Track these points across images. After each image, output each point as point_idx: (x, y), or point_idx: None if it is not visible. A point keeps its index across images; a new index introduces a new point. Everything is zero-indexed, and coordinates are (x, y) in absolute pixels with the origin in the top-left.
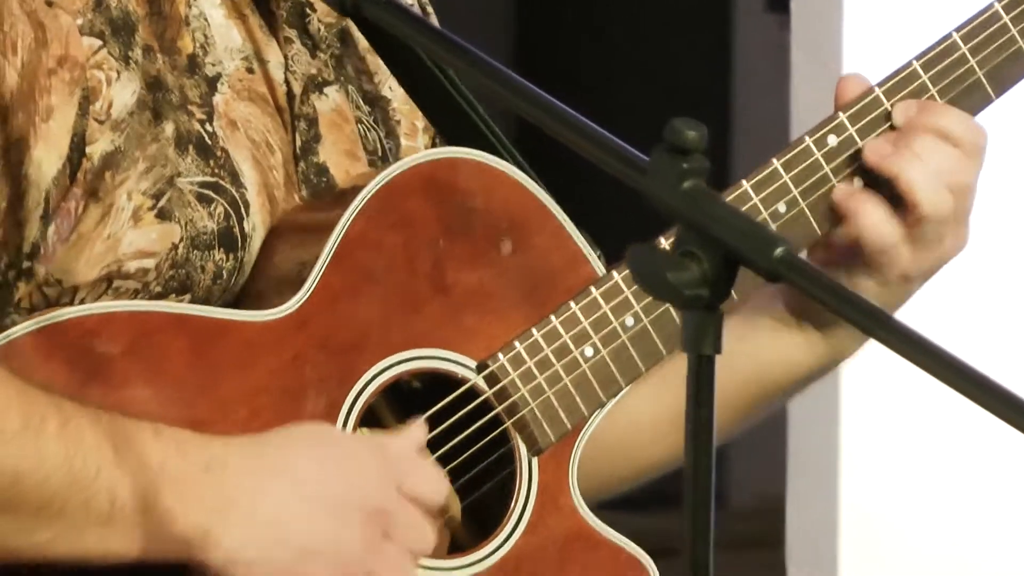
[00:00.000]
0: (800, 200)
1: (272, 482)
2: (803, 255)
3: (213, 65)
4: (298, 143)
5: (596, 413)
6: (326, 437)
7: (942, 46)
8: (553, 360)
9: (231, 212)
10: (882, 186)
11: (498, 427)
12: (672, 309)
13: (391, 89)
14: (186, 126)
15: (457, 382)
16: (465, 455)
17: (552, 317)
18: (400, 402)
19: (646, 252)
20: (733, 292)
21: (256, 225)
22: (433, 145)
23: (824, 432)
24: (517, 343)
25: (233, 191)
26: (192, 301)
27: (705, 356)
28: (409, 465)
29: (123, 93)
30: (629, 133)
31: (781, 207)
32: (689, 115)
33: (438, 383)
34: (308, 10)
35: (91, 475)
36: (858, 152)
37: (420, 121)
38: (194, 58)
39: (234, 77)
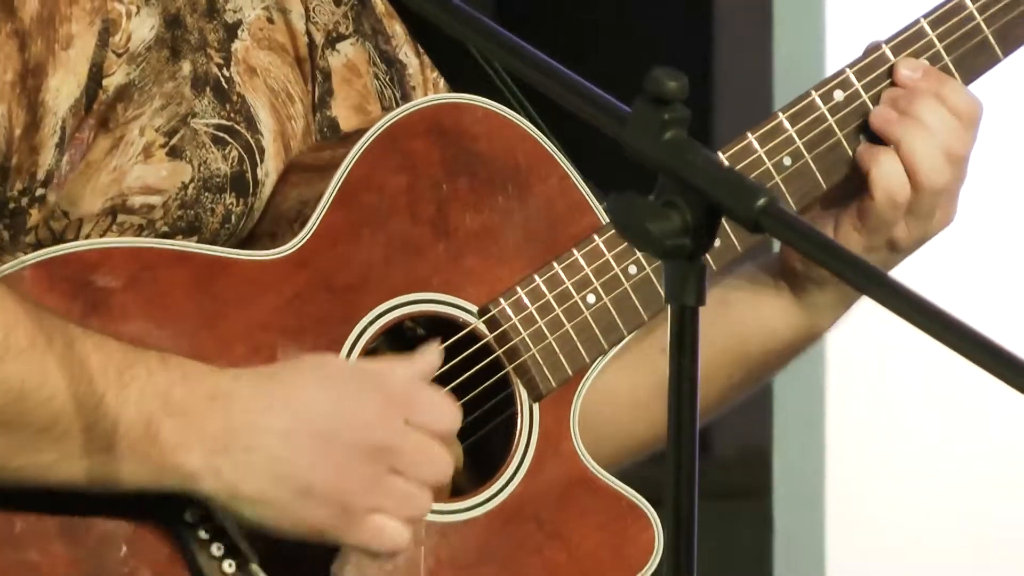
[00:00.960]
0: (805, 153)
1: (275, 417)
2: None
3: (234, 12)
4: (316, 94)
5: (598, 360)
6: (334, 370)
7: (950, 4)
8: (555, 305)
9: (245, 157)
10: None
11: (499, 371)
12: None
13: (407, 55)
14: (204, 67)
15: (458, 326)
16: (465, 399)
17: (554, 263)
18: (401, 346)
19: (627, 202)
20: (710, 260)
21: (270, 171)
22: None
23: (809, 382)
24: (519, 288)
25: (248, 136)
26: (199, 243)
27: (688, 307)
28: (417, 395)
29: (142, 27)
30: (608, 89)
31: (786, 159)
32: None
33: (439, 327)
34: None
35: (96, 399)
36: (863, 107)
37: (432, 92)
38: (214, 3)
39: (255, 26)
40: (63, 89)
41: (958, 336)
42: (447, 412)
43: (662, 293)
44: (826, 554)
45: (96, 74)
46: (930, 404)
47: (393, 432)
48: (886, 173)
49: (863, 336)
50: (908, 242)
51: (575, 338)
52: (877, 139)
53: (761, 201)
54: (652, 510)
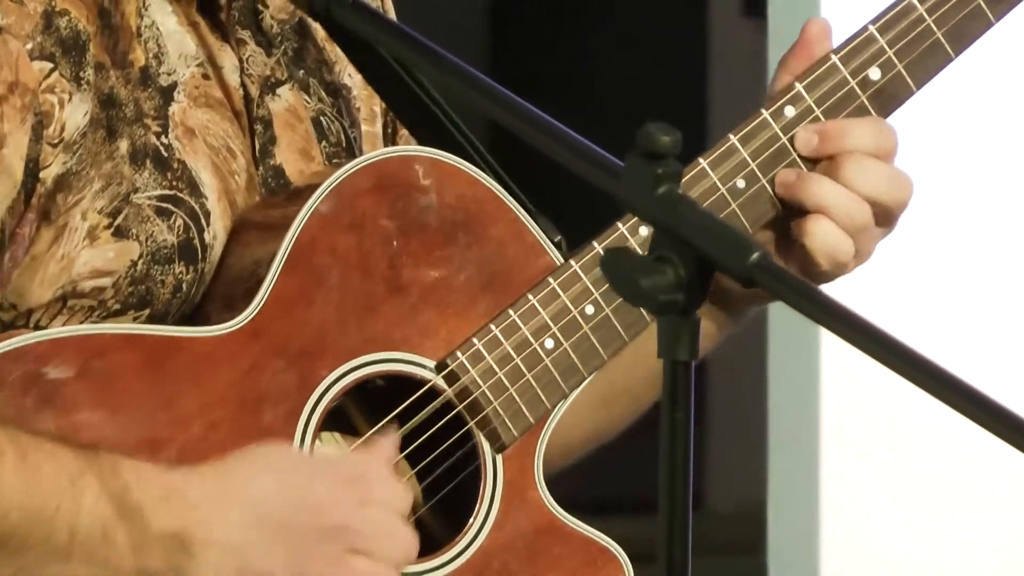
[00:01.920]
0: (760, 175)
1: (229, 510)
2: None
3: (168, 75)
4: (256, 146)
5: (559, 405)
6: (285, 459)
7: (898, 7)
8: (513, 355)
9: (191, 224)
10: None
11: (462, 426)
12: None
13: (351, 76)
14: (142, 140)
15: (418, 382)
16: (431, 455)
17: (510, 310)
18: (366, 401)
19: (620, 257)
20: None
21: (217, 233)
22: (386, 127)
23: (805, 438)
24: (476, 340)
25: (192, 202)
26: (151, 315)
27: (680, 362)
28: (370, 474)
29: (75, 114)
30: (605, 140)
31: (740, 183)
32: (665, 121)
33: (402, 380)
34: (260, 7)
35: (50, 511)
36: (816, 121)
37: (378, 106)
38: (147, 70)
39: (190, 84)
40: (0, 191)
41: (959, 395)
42: (400, 492)
43: (621, 331)
44: None
45: (32, 169)
46: (927, 462)
47: (349, 512)
48: (821, 240)
49: (858, 391)
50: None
51: (535, 385)
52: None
53: (754, 256)
54: (622, 552)
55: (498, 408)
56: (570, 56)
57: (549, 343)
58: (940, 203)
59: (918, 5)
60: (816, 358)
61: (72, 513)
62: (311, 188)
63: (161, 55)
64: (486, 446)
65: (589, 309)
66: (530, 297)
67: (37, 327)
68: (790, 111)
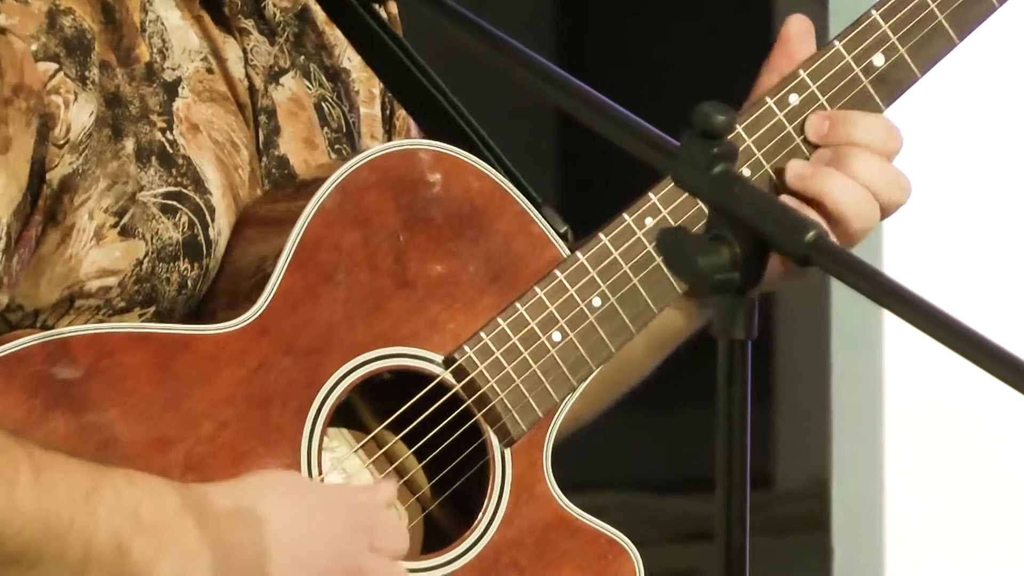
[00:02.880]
0: (764, 163)
1: (247, 533)
2: None
3: (173, 70)
4: (260, 138)
5: (567, 398)
6: (301, 488)
7: None
8: (520, 348)
9: (195, 220)
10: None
11: (470, 420)
12: (640, 287)
13: (349, 59)
14: (147, 137)
15: (427, 377)
16: (439, 449)
17: (517, 304)
18: (374, 396)
19: (676, 236)
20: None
21: (222, 229)
22: (383, 109)
23: (868, 414)
24: (483, 334)
25: (196, 198)
26: (157, 312)
27: (737, 340)
28: (380, 519)
29: (81, 115)
30: (670, 123)
31: (745, 171)
32: (731, 103)
33: (411, 375)
34: None
35: (65, 526)
36: (821, 108)
37: (376, 87)
38: (151, 66)
39: (194, 79)
40: (5, 194)
41: (1013, 371)
42: (403, 537)
43: (628, 322)
44: None
45: (38, 171)
46: (990, 438)
47: (361, 553)
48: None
49: (921, 367)
50: None
51: (543, 379)
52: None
53: (810, 235)
54: (631, 544)
55: (506, 402)
56: (636, 42)
57: (556, 336)
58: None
59: None
60: (879, 337)
61: (87, 528)
62: (315, 182)
63: (165, 50)
64: (495, 440)
65: (596, 301)
66: (537, 290)
67: (44, 327)
68: (794, 99)
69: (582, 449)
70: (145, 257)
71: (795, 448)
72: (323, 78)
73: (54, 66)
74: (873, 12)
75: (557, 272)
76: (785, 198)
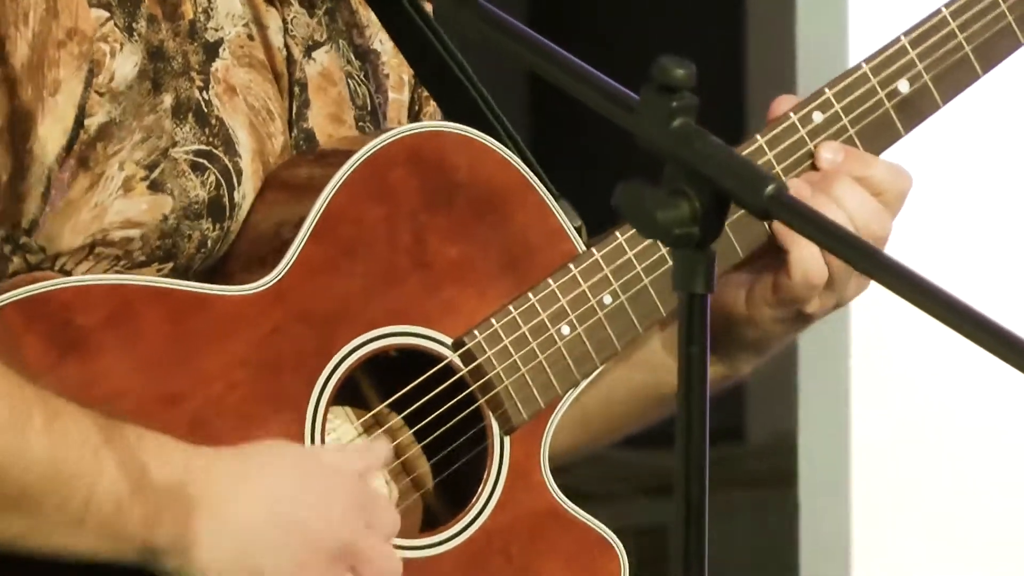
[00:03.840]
0: (783, 177)
1: (250, 503)
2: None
3: (215, 31)
4: (293, 110)
5: (569, 392)
6: (304, 462)
7: (931, 22)
8: (529, 338)
9: (222, 181)
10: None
11: (473, 404)
12: (651, 288)
13: (381, 43)
14: (186, 93)
15: (434, 358)
16: (440, 431)
17: (530, 294)
18: (379, 373)
19: (635, 191)
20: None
21: (247, 193)
22: (414, 96)
23: (834, 370)
24: (494, 320)
25: (226, 160)
26: (174, 268)
27: (696, 295)
28: (375, 500)
29: (125, 65)
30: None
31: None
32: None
33: (417, 354)
34: None
35: (71, 475)
36: (843, 128)
37: (406, 74)
38: (194, 24)
39: (235, 43)
40: (51, 138)
41: (973, 325)
42: (395, 518)
43: (636, 322)
44: (852, 540)
45: (79, 116)
46: (955, 391)
47: (358, 533)
48: (806, 256)
49: (887, 321)
50: (820, 312)
51: (548, 370)
52: None
53: (770, 188)
54: (619, 542)
55: (510, 389)
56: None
57: (565, 329)
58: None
59: (950, 20)
60: None
61: (91, 481)
62: (339, 153)
63: (210, 10)
64: (495, 427)
65: (607, 299)
66: (550, 282)
67: (62, 271)
68: (818, 116)
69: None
70: (171, 213)
71: (764, 403)
72: (351, 55)
73: (105, 14)
74: (902, 38)
75: (571, 266)
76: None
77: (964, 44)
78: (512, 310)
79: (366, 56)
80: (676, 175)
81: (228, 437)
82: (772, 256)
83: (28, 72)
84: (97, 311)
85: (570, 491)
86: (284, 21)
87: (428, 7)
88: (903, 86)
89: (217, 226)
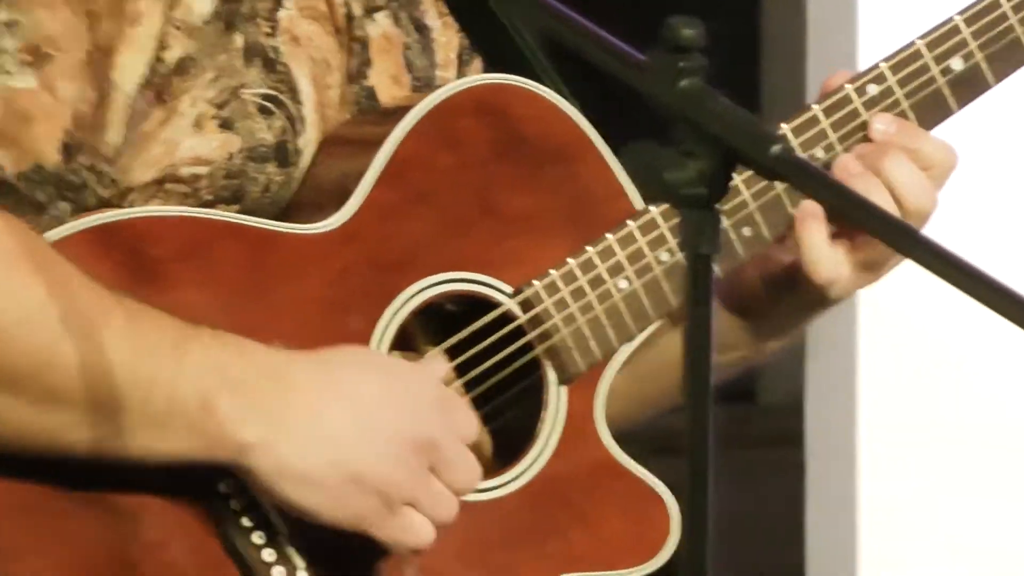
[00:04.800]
0: (837, 146)
1: (332, 401)
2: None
3: None
4: (353, 65)
5: (625, 345)
6: (384, 362)
7: (985, 1)
8: (587, 290)
9: (288, 127)
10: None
11: (528, 353)
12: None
13: (432, 19)
14: (254, 38)
15: (492, 306)
16: (493, 379)
17: (588, 248)
18: (436, 325)
19: (643, 150)
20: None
21: (309, 141)
22: (460, 76)
23: (842, 331)
24: (553, 271)
25: (292, 106)
26: (240, 211)
27: (702, 255)
28: (456, 402)
29: (203, 1)
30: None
31: (819, 152)
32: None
33: (473, 306)
34: None
35: (152, 374)
36: (896, 102)
37: (454, 52)
38: None
39: None
40: (131, 67)
41: (983, 287)
42: (474, 424)
43: None
44: (857, 500)
45: (156, 48)
46: (961, 354)
47: (441, 430)
48: (815, 253)
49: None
50: (850, 291)
51: (605, 323)
52: None
53: (776, 148)
54: (671, 496)
55: (568, 339)
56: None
57: (623, 284)
58: None
59: (1003, 1)
60: None
61: (173, 380)
62: (403, 110)
63: None
64: (552, 376)
65: (664, 256)
66: (609, 237)
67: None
68: (872, 89)
69: None
70: (239, 152)
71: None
72: (411, 27)
73: None
74: (956, 17)
75: (630, 223)
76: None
77: (1016, 26)
78: (571, 262)
79: (423, 30)
80: (684, 135)
81: None
82: (794, 242)
83: (108, 4)
84: (171, 243)
85: None
86: None
87: None
88: (956, 64)
89: (282, 171)
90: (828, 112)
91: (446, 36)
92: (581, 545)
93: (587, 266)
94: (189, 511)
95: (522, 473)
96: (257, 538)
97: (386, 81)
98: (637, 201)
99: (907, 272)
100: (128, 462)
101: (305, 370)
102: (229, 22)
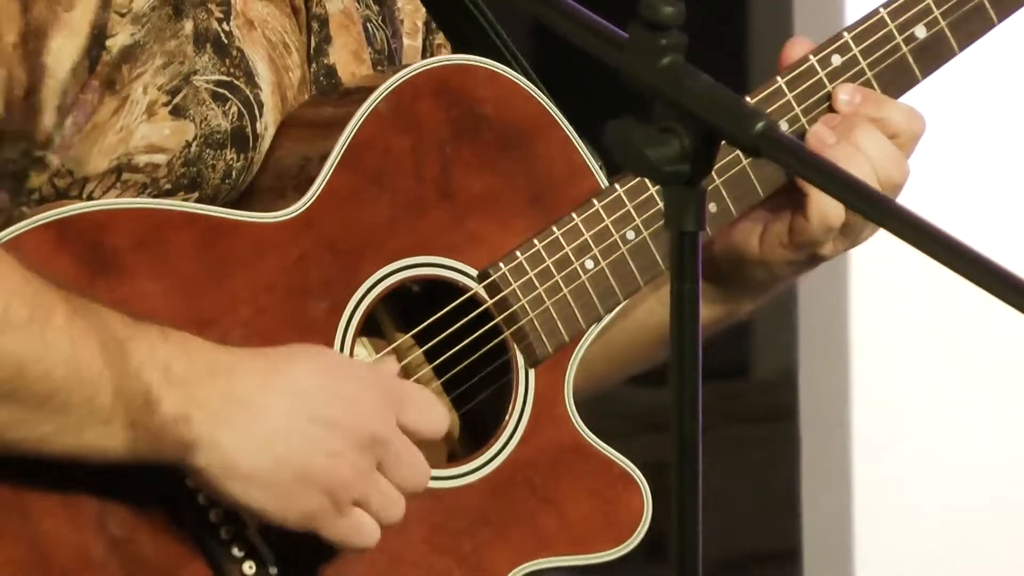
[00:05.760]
0: (802, 117)
1: (276, 397)
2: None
3: None
4: (312, 44)
5: (593, 326)
6: (330, 359)
7: None
8: (554, 271)
9: (244, 112)
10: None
11: (496, 336)
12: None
13: None
14: (204, 23)
15: (458, 290)
16: (463, 364)
17: (554, 228)
18: (400, 307)
19: (625, 128)
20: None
21: (268, 125)
22: (426, 44)
23: (834, 305)
24: (519, 253)
25: (247, 91)
26: (200, 199)
27: (688, 232)
28: (411, 394)
29: None
30: None
31: (783, 125)
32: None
33: (439, 288)
34: None
35: (96, 371)
36: (861, 72)
37: (420, 20)
38: None
39: None
40: (64, 51)
41: (967, 261)
42: (437, 414)
43: (659, 258)
44: (852, 474)
45: (99, 36)
46: (954, 325)
47: (387, 427)
48: (825, 198)
49: (887, 260)
50: (831, 255)
51: (572, 304)
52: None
53: (760, 125)
54: (642, 477)
55: (535, 322)
56: None
57: (589, 263)
58: None
59: None
60: None
61: (118, 376)
62: (364, 90)
63: None
64: (520, 359)
65: (630, 234)
66: (574, 216)
67: (90, 199)
68: (836, 59)
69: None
70: (194, 140)
71: (768, 340)
72: (369, 0)
73: None
74: None
75: (595, 201)
76: None
77: None
78: (536, 243)
79: (383, 1)
80: (666, 113)
81: None
82: (790, 197)
83: None
84: (128, 234)
85: None
86: None
87: None
88: (920, 31)
89: (241, 156)
90: (792, 84)
91: (412, 4)
92: (551, 529)
93: (553, 247)
94: (156, 507)
95: (492, 459)
96: (225, 533)
97: (346, 57)
98: (601, 179)
99: (898, 244)
100: (76, 460)
101: (251, 369)
102: (177, 8)
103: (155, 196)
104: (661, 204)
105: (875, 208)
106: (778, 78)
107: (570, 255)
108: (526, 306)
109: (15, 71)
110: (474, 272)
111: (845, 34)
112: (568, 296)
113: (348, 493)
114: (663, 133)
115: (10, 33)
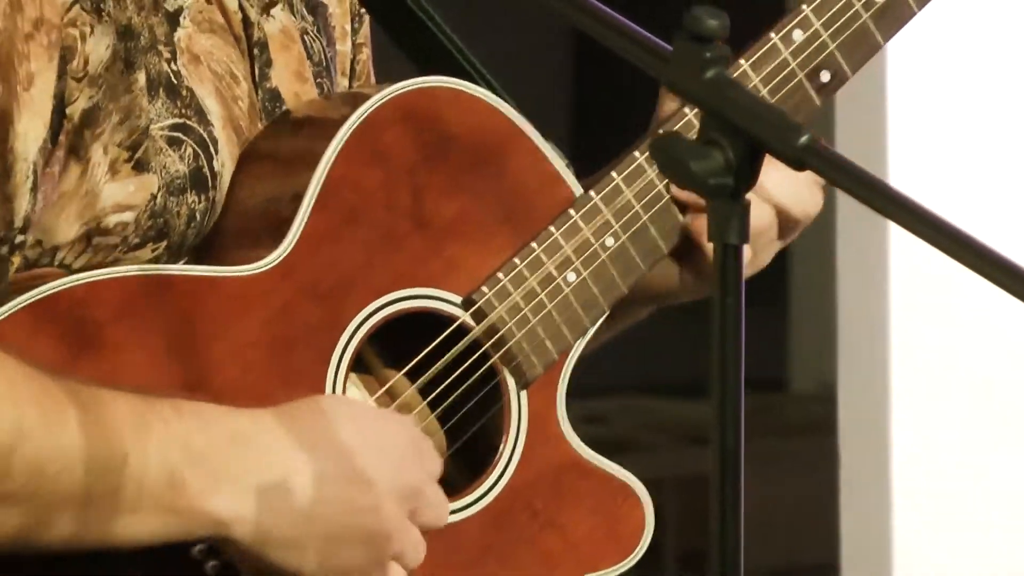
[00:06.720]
0: (770, 99)
1: (304, 458)
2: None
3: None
4: (256, 71)
5: (579, 340)
6: (352, 410)
7: None
8: (538, 290)
9: (199, 152)
10: None
11: (486, 362)
12: (650, 225)
13: None
14: (156, 68)
15: (442, 318)
16: (455, 395)
17: (534, 245)
18: (384, 341)
19: (670, 142)
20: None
21: (225, 161)
22: (354, 48)
23: (875, 319)
24: (501, 275)
25: (200, 130)
26: (168, 247)
27: (731, 245)
28: (427, 446)
29: (98, 47)
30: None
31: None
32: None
33: (421, 318)
34: None
35: (116, 462)
36: (824, 44)
37: (348, 24)
38: None
39: (194, 9)
40: (30, 132)
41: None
42: (439, 461)
43: (638, 260)
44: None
45: (59, 106)
46: (993, 340)
47: (420, 476)
48: (797, 190)
49: (927, 271)
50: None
51: (558, 320)
52: (837, 75)
53: (804, 138)
54: (642, 488)
55: (523, 343)
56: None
57: (571, 276)
58: None
59: None
60: (884, 245)
61: (139, 463)
62: (321, 122)
63: None
64: (511, 383)
65: (609, 241)
66: (553, 231)
67: (62, 265)
68: (798, 35)
69: (588, 354)
70: (158, 192)
71: (808, 353)
72: (304, 11)
73: None
74: (804, 7)
75: (572, 212)
76: None
77: (862, 12)
78: (518, 262)
79: (316, 10)
80: (710, 126)
81: None
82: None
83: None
84: (106, 306)
85: (612, 443)
86: None
87: None
88: None
89: (203, 197)
90: (756, 66)
91: (341, 8)
92: (556, 552)
93: (535, 265)
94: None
95: (491, 487)
96: None
97: (288, 77)
98: (574, 184)
99: (941, 260)
100: (111, 549)
101: (272, 430)
102: (128, 61)
103: (125, 252)
104: (637, 207)
105: (926, 226)
106: (741, 60)
107: (552, 271)
108: (513, 328)
109: None
110: (458, 299)
111: (804, 7)
112: (553, 312)
113: (390, 547)
114: (707, 146)
115: None
